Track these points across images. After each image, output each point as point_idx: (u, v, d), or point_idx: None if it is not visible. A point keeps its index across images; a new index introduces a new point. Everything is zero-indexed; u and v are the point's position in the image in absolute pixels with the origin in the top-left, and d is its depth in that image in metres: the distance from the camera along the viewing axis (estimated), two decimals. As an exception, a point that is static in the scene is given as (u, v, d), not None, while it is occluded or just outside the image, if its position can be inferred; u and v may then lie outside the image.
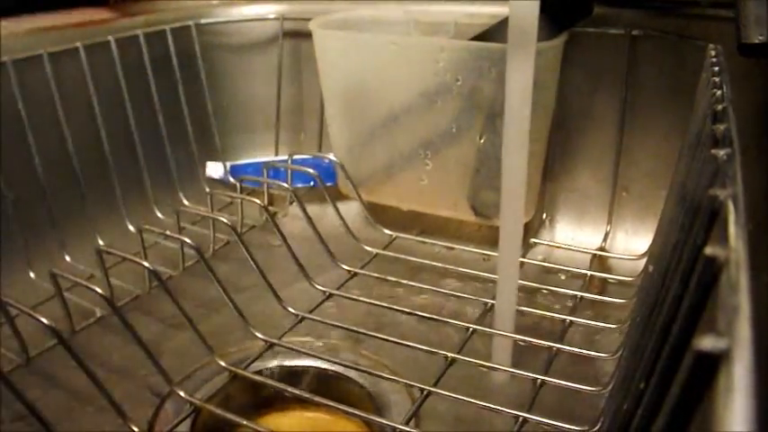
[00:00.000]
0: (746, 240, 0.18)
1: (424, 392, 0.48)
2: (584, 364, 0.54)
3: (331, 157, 0.74)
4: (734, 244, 0.18)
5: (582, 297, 0.61)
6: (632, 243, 0.70)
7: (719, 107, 0.31)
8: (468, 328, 0.56)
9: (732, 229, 0.19)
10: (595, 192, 0.72)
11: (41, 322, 0.43)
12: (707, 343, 0.14)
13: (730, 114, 0.30)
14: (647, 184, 0.70)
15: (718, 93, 0.33)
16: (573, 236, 0.74)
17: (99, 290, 0.45)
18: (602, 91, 0.70)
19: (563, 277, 0.68)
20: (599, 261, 0.69)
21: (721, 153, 0.24)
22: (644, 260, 0.64)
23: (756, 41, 0.48)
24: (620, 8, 0.68)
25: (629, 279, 0.64)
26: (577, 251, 0.71)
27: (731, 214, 0.19)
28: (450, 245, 0.72)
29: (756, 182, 0.57)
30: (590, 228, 0.73)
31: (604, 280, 0.66)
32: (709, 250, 0.18)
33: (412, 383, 0.50)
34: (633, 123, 0.69)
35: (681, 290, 0.22)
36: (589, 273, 0.66)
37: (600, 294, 0.63)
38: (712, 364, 0.14)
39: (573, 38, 0.65)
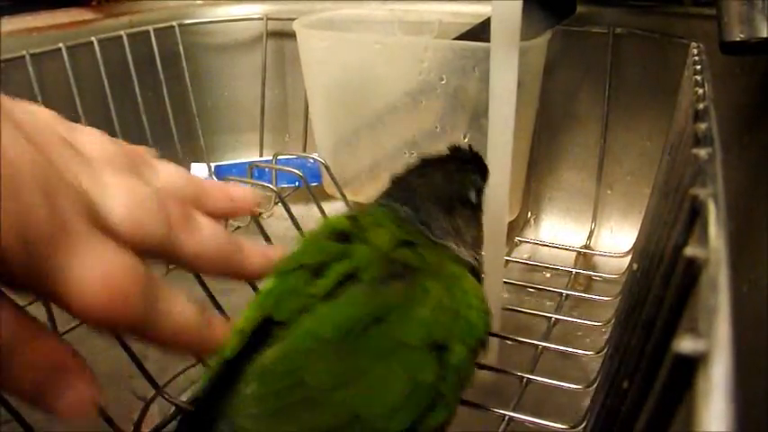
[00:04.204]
0: (728, 240, 0.18)
1: (411, 392, 0.48)
2: (570, 362, 0.55)
3: (316, 157, 0.74)
4: (714, 244, 0.18)
5: (567, 295, 0.61)
6: (617, 241, 0.71)
7: (701, 106, 0.31)
8: (454, 328, 0.55)
9: (713, 228, 0.18)
10: (580, 190, 0.73)
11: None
12: (685, 345, 0.14)
13: (712, 113, 0.30)
14: (632, 182, 0.70)
15: (700, 91, 0.33)
16: (558, 234, 0.74)
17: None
18: (586, 89, 0.70)
19: (548, 275, 0.69)
20: (584, 259, 0.69)
21: (702, 152, 0.24)
22: (628, 258, 0.64)
23: (737, 39, 0.48)
24: (602, 6, 0.68)
25: (614, 277, 0.64)
26: (562, 249, 0.71)
27: (712, 214, 0.19)
28: (435, 244, 0.72)
29: (738, 181, 0.57)
30: (575, 226, 0.73)
31: (589, 278, 0.66)
32: (689, 251, 0.18)
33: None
34: (617, 121, 0.69)
35: (662, 290, 0.22)
36: (574, 270, 0.66)
37: (585, 292, 0.64)
38: (691, 366, 0.14)
39: (556, 36, 0.65)
